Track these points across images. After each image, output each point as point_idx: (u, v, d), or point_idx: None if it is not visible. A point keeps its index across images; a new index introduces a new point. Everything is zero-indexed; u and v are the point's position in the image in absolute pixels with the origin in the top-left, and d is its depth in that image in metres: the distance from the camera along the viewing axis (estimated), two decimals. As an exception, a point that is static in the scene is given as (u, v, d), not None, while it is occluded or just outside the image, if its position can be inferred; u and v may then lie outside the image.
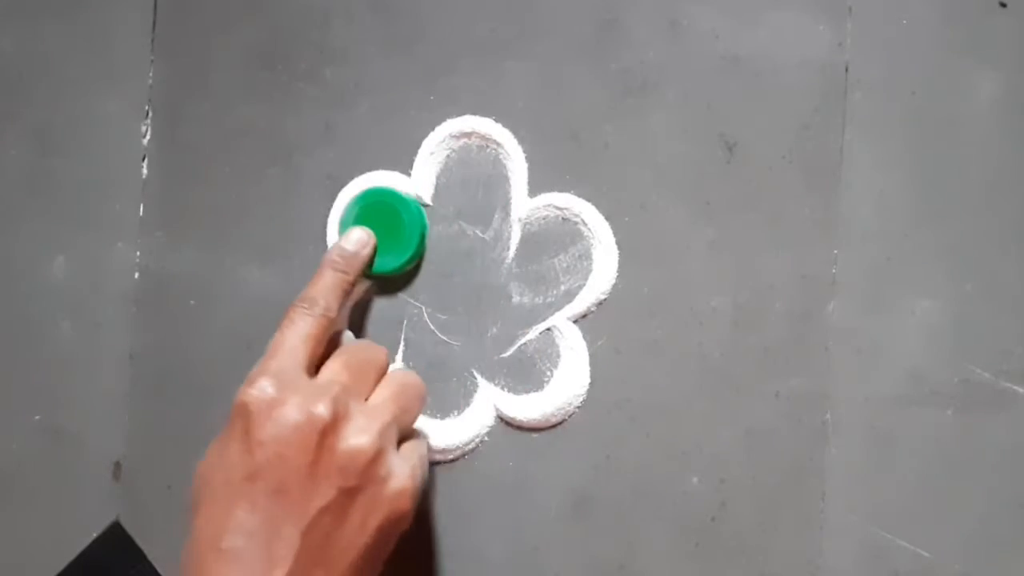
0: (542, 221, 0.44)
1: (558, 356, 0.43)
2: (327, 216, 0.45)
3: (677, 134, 0.43)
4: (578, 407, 0.43)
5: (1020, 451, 0.40)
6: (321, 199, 0.45)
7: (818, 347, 0.41)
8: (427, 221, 0.44)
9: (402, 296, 0.44)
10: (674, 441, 0.42)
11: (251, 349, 0.45)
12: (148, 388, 0.46)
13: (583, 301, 0.43)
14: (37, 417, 0.47)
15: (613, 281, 0.43)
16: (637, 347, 0.43)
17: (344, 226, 0.43)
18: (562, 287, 0.43)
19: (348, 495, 0.35)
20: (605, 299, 0.43)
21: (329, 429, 0.35)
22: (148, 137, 0.47)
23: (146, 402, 0.46)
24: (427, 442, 0.39)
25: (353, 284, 0.41)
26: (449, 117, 0.44)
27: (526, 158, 0.44)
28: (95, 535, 0.46)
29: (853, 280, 0.41)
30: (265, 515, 0.34)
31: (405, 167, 0.45)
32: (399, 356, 0.44)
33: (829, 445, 0.41)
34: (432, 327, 0.44)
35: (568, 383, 0.43)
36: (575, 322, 0.43)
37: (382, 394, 0.38)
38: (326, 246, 0.45)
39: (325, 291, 0.39)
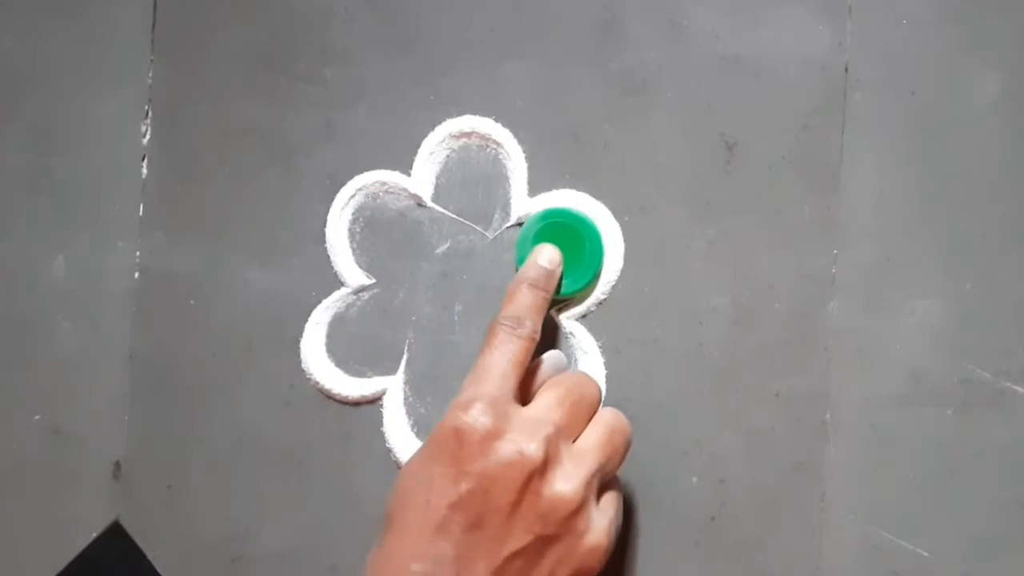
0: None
1: (573, 364, 0.43)
2: (327, 216, 0.45)
3: (677, 134, 0.43)
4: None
5: (1020, 451, 0.40)
6: (321, 199, 0.45)
7: (818, 347, 0.41)
8: (603, 244, 0.43)
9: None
10: (674, 441, 0.42)
11: (251, 349, 0.45)
12: (148, 388, 0.46)
13: (587, 299, 0.43)
14: (37, 417, 0.47)
15: (615, 280, 0.43)
16: (637, 347, 0.43)
17: (522, 245, 0.42)
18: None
19: (544, 543, 0.34)
20: (605, 299, 0.43)
21: (538, 472, 0.34)
22: (148, 137, 0.47)
23: (146, 402, 0.46)
24: (622, 493, 0.39)
25: (548, 303, 0.40)
26: (449, 117, 0.44)
27: (526, 158, 0.44)
28: (95, 535, 0.46)
29: (853, 280, 0.41)
30: (459, 548, 0.34)
31: (405, 167, 0.45)
32: (402, 362, 0.44)
33: (829, 445, 0.41)
34: (432, 327, 0.44)
35: None
36: (576, 321, 0.43)
37: (591, 438, 0.37)
38: (325, 246, 0.45)
39: (528, 310, 0.38)
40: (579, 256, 0.42)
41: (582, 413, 0.37)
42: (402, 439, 0.44)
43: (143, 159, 0.47)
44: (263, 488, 0.45)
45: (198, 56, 0.47)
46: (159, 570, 0.46)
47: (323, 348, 0.45)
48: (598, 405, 0.38)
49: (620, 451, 0.38)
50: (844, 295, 0.41)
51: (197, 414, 0.46)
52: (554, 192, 0.43)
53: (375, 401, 0.44)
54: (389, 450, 0.44)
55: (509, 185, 0.44)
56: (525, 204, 0.44)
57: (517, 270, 0.42)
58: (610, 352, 0.43)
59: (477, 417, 0.35)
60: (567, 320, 0.43)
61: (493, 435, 0.35)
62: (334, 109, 0.45)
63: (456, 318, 0.44)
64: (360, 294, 0.45)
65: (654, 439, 0.42)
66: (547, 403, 0.37)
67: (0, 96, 0.48)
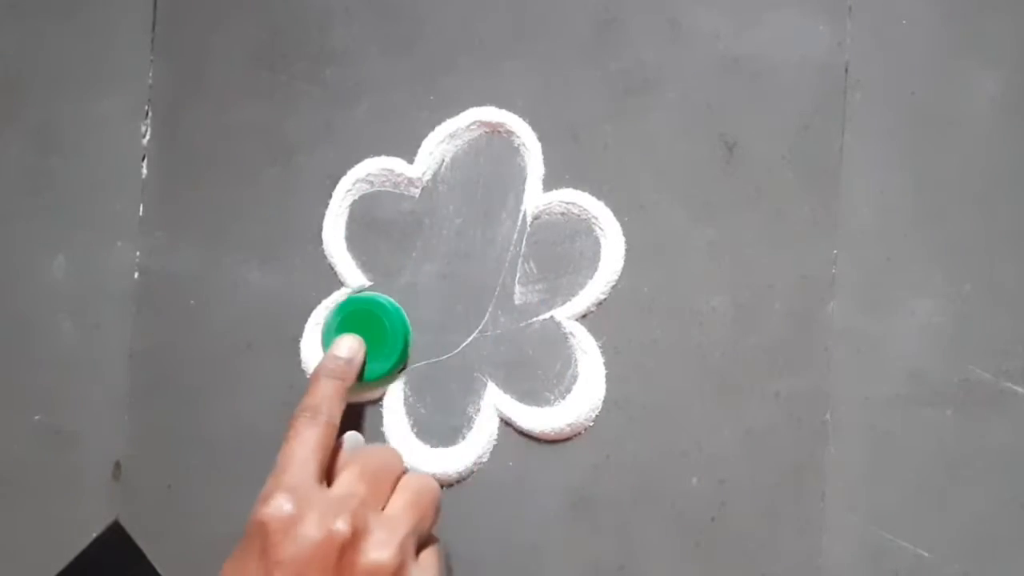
0: (546, 219, 0.44)
1: (572, 364, 0.43)
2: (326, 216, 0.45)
3: (677, 134, 0.43)
4: (591, 423, 0.43)
5: (1020, 451, 0.40)
6: (321, 199, 0.45)
7: (818, 347, 0.41)
8: (409, 326, 0.44)
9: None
10: (674, 441, 0.42)
11: (251, 349, 0.45)
12: (148, 388, 0.46)
13: (586, 299, 0.43)
14: (37, 417, 0.47)
15: (615, 280, 0.43)
16: (637, 347, 0.43)
17: (327, 335, 0.43)
18: (565, 284, 0.43)
19: None
20: (605, 299, 0.43)
21: (349, 545, 0.34)
22: (148, 137, 0.47)
23: (146, 402, 0.46)
24: (441, 548, 0.39)
25: (348, 391, 0.41)
26: (449, 117, 0.44)
27: (531, 155, 0.44)
28: (95, 535, 0.46)
29: (853, 280, 0.41)
30: None
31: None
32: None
33: (829, 445, 0.41)
34: (432, 327, 0.44)
35: (584, 399, 0.43)
36: (576, 321, 0.43)
37: (399, 502, 0.37)
38: (323, 247, 0.45)
39: (325, 399, 0.39)
40: (381, 341, 0.43)
41: (385, 481, 0.38)
42: (402, 440, 0.44)
43: (143, 159, 0.47)
44: (263, 488, 0.45)
45: (198, 56, 0.47)
46: (159, 570, 0.46)
47: (323, 348, 0.45)
48: (400, 471, 0.39)
49: (431, 510, 0.38)
50: (844, 295, 0.41)
51: (197, 414, 0.46)
52: (559, 192, 0.43)
53: (375, 401, 0.44)
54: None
55: (510, 184, 0.44)
56: (529, 202, 0.44)
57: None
58: (610, 352, 0.43)
59: (280, 506, 0.35)
60: (567, 320, 0.43)
61: (296, 519, 0.35)
62: (334, 109, 0.45)
63: (456, 318, 0.44)
64: (360, 294, 0.45)
65: (654, 439, 0.42)
66: (348, 479, 0.37)
67: (0, 96, 0.48)
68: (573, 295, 0.43)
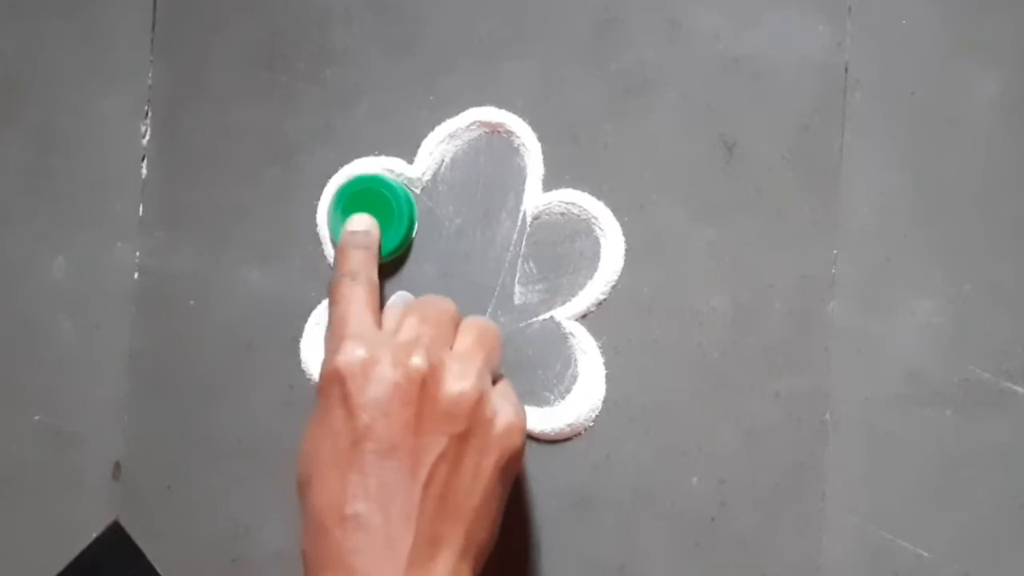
0: (546, 219, 0.44)
1: (573, 364, 0.43)
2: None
3: (677, 134, 0.43)
4: (591, 424, 0.43)
5: (1020, 451, 0.40)
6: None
7: (818, 347, 0.41)
8: (415, 202, 0.44)
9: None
10: (674, 441, 0.42)
11: (251, 349, 0.45)
12: (148, 388, 0.46)
13: (586, 299, 0.43)
14: (37, 417, 0.47)
15: (615, 280, 0.43)
16: (637, 347, 0.43)
17: (334, 221, 0.43)
18: (565, 284, 0.43)
19: (460, 440, 0.35)
20: (605, 299, 0.43)
21: (428, 379, 0.35)
22: (148, 137, 0.47)
23: (146, 402, 0.46)
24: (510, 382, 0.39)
25: (376, 258, 0.41)
26: (449, 117, 0.44)
27: (531, 155, 0.44)
28: (95, 535, 0.46)
29: (853, 280, 0.41)
30: (382, 476, 0.34)
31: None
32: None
33: (829, 445, 0.41)
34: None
35: (584, 399, 0.43)
36: (576, 321, 0.43)
37: (466, 340, 0.37)
38: (322, 245, 0.45)
39: (360, 263, 0.39)
40: (388, 215, 0.43)
41: (447, 324, 0.38)
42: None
43: (143, 159, 0.47)
44: (263, 488, 0.45)
45: (198, 56, 0.47)
46: (159, 570, 0.46)
47: (323, 348, 0.45)
48: (457, 315, 0.39)
49: (497, 346, 0.38)
50: (844, 295, 0.41)
51: (197, 414, 0.46)
52: (559, 192, 0.43)
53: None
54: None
55: (512, 184, 0.44)
56: (530, 201, 0.44)
57: (334, 244, 0.42)
58: (610, 352, 0.43)
59: (352, 351, 0.35)
60: (567, 320, 0.43)
61: (372, 362, 0.35)
62: (334, 109, 0.45)
63: (456, 318, 0.44)
64: (360, 294, 0.45)
65: (654, 439, 0.42)
66: (412, 324, 0.37)
67: (0, 96, 0.48)
68: (573, 295, 0.43)
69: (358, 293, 0.38)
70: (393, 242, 0.43)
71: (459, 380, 0.35)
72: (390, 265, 0.44)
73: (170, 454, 0.46)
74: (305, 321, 0.45)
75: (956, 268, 0.41)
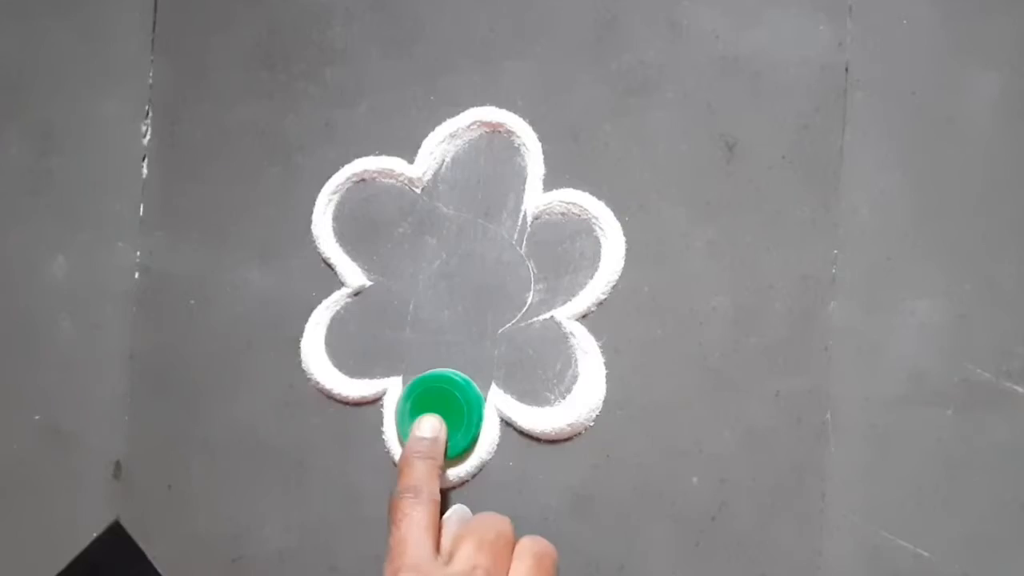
0: (546, 219, 0.44)
1: (573, 364, 0.43)
2: (323, 211, 0.45)
3: (677, 134, 0.43)
4: (591, 423, 0.43)
5: (1020, 451, 0.40)
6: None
7: (818, 347, 0.41)
8: (484, 401, 0.43)
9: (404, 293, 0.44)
10: (674, 441, 0.42)
11: (251, 349, 0.45)
12: (148, 388, 0.46)
13: (586, 299, 0.43)
14: (37, 417, 0.47)
15: (615, 280, 0.43)
16: (637, 347, 0.43)
17: (402, 420, 0.43)
18: (565, 284, 0.43)
19: None
20: (605, 299, 0.43)
21: None
22: (148, 137, 0.47)
23: (146, 402, 0.46)
24: None
25: (441, 468, 0.40)
26: (449, 117, 0.44)
27: (531, 155, 0.44)
28: (95, 535, 0.46)
29: (853, 280, 0.41)
30: None
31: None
32: (403, 362, 0.44)
33: (829, 445, 0.41)
34: (432, 327, 0.44)
35: (584, 399, 0.42)
36: (576, 321, 0.43)
37: (521, 569, 0.37)
38: (315, 244, 0.45)
39: (423, 478, 0.39)
40: (458, 415, 0.42)
41: (502, 550, 0.37)
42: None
43: (143, 159, 0.47)
44: (263, 488, 0.45)
45: (198, 56, 0.47)
46: (159, 570, 0.46)
47: (323, 348, 0.45)
48: (513, 538, 0.38)
49: (552, 572, 0.38)
50: (844, 295, 0.41)
51: (197, 414, 0.46)
52: (559, 191, 0.43)
53: (375, 402, 0.44)
54: (388, 450, 0.44)
55: (513, 183, 0.44)
56: (532, 201, 0.44)
57: (401, 444, 0.42)
58: (610, 352, 0.43)
59: None
60: (567, 320, 0.43)
61: None
62: (334, 109, 0.45)
63: (456, 318, 0.44)
64: (360, 294, 0.45)
65: (654, 439, 0.42)
66: (467, 553, 0.37)
67: (0, 96, 0.48)
68: (573, 295, 0.43)
69: (419, 514, 0.37)
70: (460, 445, 0.42)
71: None
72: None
73: (170, 454, 0.46)
74: (305, 321, 0.45)
75: (956, 268, 0.41)
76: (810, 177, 0.42)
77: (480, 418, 0.43)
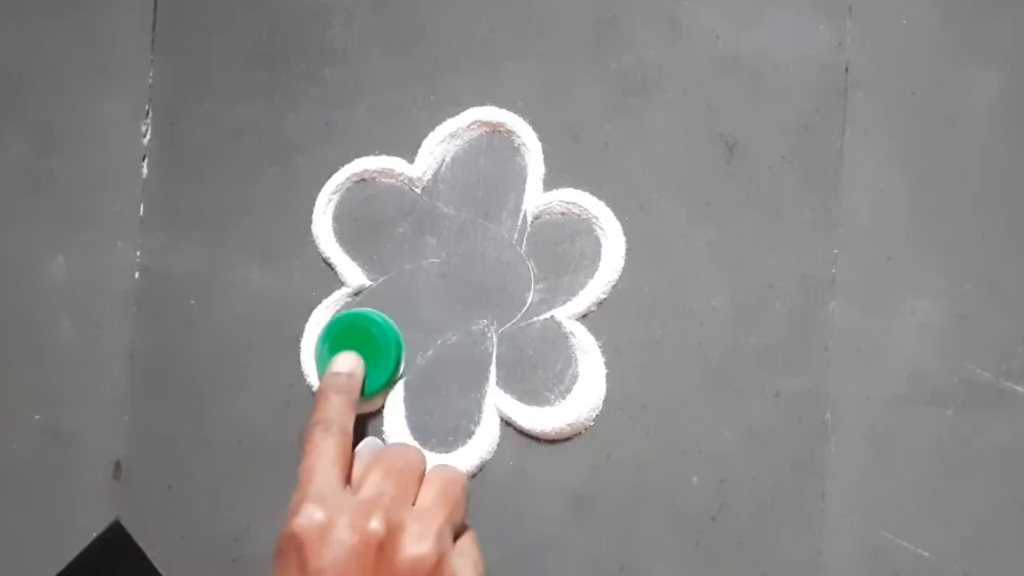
0: (546, 218, 0.44)
1: (573, 364, 0.43)
2: (322, 210, 0.45)
3: (677, 134, 0.43)
4: (591, 423, 0.43)
5: (1020, 451, 0.40)
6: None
7: (818, 347, 0.41)
8: (401, 335, 0.44)
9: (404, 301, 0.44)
10: (674, 441, 0.42)
11: (251, 349, 0.45)
12: (148, 388, 0.46)
13: (587, 299, 0.43)
14: (37, 417, 0.47)
15: (615, 280, 0.43)
16: (637, 347, 0.43)
17: (321, 357, 0.43)
18: (565, 284, 0.43)
19: None
20: (605, 298, 0.43)
21: (386, 543, 0.34)
22: (148, 137, 0.47)
23: (146, 402, 0.46)
24: (474, 534, 0.39)
25: (355, 403, 0.41)
26: (449, 117, 0.44)
27: (531, 155, 0.44)
28: (95, 535, 0.46)
29: (853, 280, 0.41)
30: None
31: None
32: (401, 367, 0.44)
33: (829, 445, 0.41)
34: (432, 327, 0.44)
35: (584, 399, 0.43)
36: (576, 321, 0.43)
37: (428, 496, 0.37)
38: (315, 244, 0.45)
39: (336, 410, 0.39)
40: (376, 354, 0.43)
41: (410, 477, 0.37)
42: (402, 440, 0.44)
43: (143, 159, 0.47)
44: (263, 488, 0.45)
45: (198, 56, 0.47)
46: (159, 570, 0.46)
47: (318, 370, 0.45)
48: (423, 467, 0.38)
49: (461, 499, 0.38)
50: (844, 295, 0.41)
51: (197, 414, 0.46)
52: (559, 191, 0.43)
53: (376, 413, 0.44)
54: (389, 450, 0.44)
55: (514, 182, 0.44)
56: (533, 201, 0.44)
57: (320, 377, 0.42)
58: (610, 352, 0.43)
59: (311, 515, 0.35)
60: (567, 320, 0.43)
61: (329, 526, 0.35)
62: (334, 109, 0.45)
63: (456, 318, 0.44)
64: (360, 294, 0.45)
65: (654, 439, 0.42)
66: (374, 480, 0.37)
67: (0, 96, 0.48)
68: (573, 295, 0.43)
69: (328, 445, 0.38)
70: (378, 383, 0.43)
71: (418, 543, 0.35)
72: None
73: (170, 454, 0.46)
74: (305, 321, 0.45)
75: (956, 268, 0.41)
76: (810, 177, 0.42)
77: (399, 357, 0.44)
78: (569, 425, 0.42)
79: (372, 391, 0.43)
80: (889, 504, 0.41)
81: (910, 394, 0.41)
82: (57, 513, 0.47)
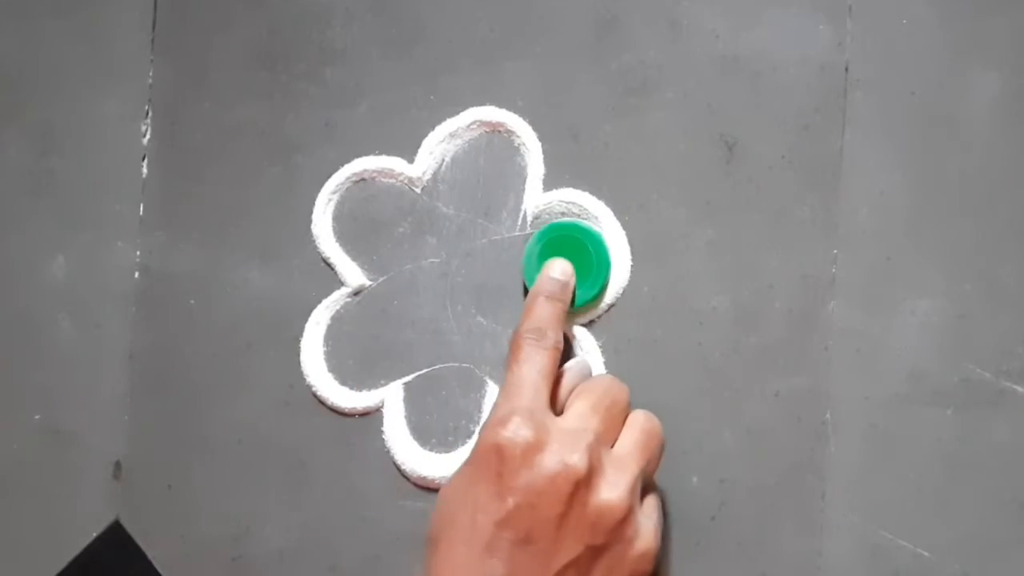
0: (547, 218, 0.44)
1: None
2: (322, 210, 0.45)
3: (677, 134, 0.43)
4: None
5: (1020, 451, 0.40)
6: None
7: (818, 347, 0.41)
8: (611, 256, 0.43)
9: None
10: (674, 441, 0.42)
11: (251, 349, 0.45)
12: (148, 388, 0.46)
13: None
14: (37, 417, 0.47)
15: (624, 285, 0.43)
16: (637, 347, 0.43)
17: (529, 263, 0.42)
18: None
19: (594, 553, 0.34)
20: (613, 304, 0.43)
21: (583, 482, 0.34)
22: (148, 137, 0.47)
23: (146, 402, 0.46)
24: (660, 494, 0.39)
25: (567, 314, 0.40)
26: (449, 117, 0.44)
27: (531, 155, 0.44)
28: (95, 535, 0.46)
29: (853, 280, 0.41)
30: (509, 565, 0.33)
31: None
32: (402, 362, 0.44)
33: (829, 444, 0.41)
34: (432, 328, 0.44)
35: None
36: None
37: (628, 442, 0.37)
38: (315, 244, 0.45)
39: (548, 322, 0.38)
40: (587, 267, 0.42)
41: (616, 418, 0.37)
42: (401, 439, 0.44)
43: (143, 159, 0.47)
44: (263, 488, 0.45)
45: (198, 56, 0.47)
46: (159, 570, 0.46)
47: (322, 355, 0.45)
48: (628, 410, 0.38)
49: (657, 454, 0.38)
50: (844, 295, 0.41)
51: (197, 414, 0.46)
52: (559, 191, 0.43)
53: (374, 412, 0.44)
54: (388, 450, 0.44)
55: (515, 182, 0.44)
56: (534, 200, 0.43)
57: (526, 288, 0.42)
58: (610, 352, 0.43)
59: (517, 431, 0.34)
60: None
61: (535, 448, 0.34)
62: (334, 109, 0.45)
63: (456, 318, 0.44)
64: (360, 294, 0.45)
65: (654, 439, 0.42)
66: (581, 411, 0.36)
67: (0, 96, 0.48)
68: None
69: (541, 358, 0.37)
70: (587, 296, 0.42)
71: (611, 490, 0.34)
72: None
73: (170, 454, 0.46)
74: (305, 321, 0.45)
75: (956, 268, 0.41)
76: (810, 177, 0.42)
77: (608, 272, 0.42)
78: None
79: (581, 303, 0.42)
80: (889, 504, 0.41)
81: (910, 394, 0.41)
82: (57, 513, 0.47)
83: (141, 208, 0.47)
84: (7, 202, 0.48)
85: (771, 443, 0.42)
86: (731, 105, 0.42)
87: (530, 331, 0.38)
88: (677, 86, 0.43)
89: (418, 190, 0.45)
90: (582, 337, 0.43)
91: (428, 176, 0.45)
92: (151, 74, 0.47)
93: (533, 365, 0.37)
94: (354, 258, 0.45)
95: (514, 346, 0.37)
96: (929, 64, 0.41)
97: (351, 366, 0.45)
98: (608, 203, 0.43)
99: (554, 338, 0.38)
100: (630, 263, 0.43)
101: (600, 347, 0.43)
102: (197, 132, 0.47)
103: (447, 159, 0.44)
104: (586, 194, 0.43)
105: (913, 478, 0.41)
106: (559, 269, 0.41)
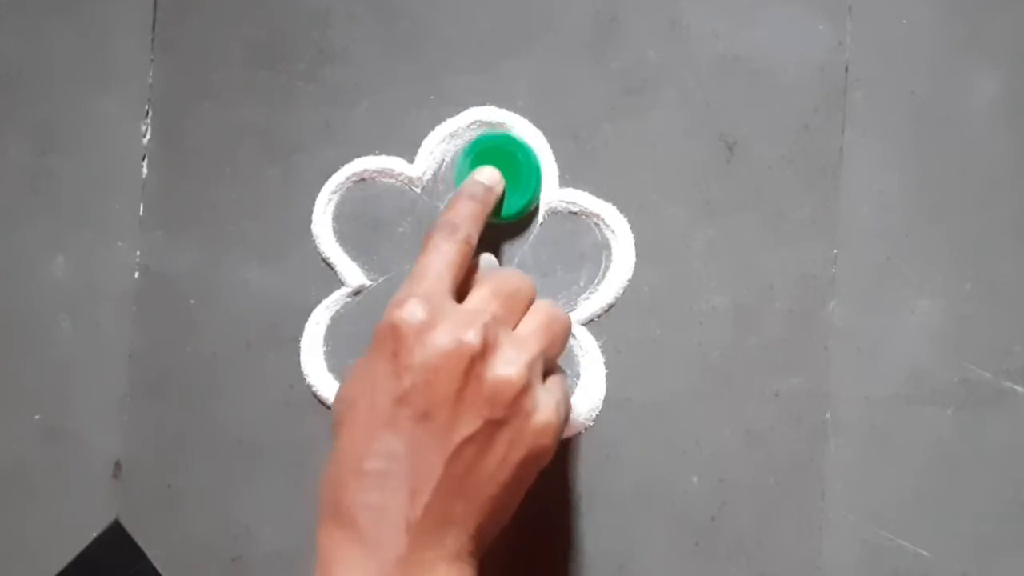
0: (554, 218, 0.44)
1: (573, 364, 0.43)
2: (322, 209, 0.45)
3: (677, 134, 0.43)
4: (591, 423, 0.43)
5: (1020, 451, 0.40)
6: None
7: (818, 347, 0.41)
8: (542, 172, 0.43)
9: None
10: (674, 441, 0.42)
11: (251, 349, 0.45)
12: (148, 388, 0.46)
13: (599, 301, 0.43)
14: (37, 417, 0.47)
15: (628, 281, 0.43)
16: (637, 347, 0.43)
17: (461, 171, 0.43)
18: (575, 285, 0.43)
19: (493, 426, 0.34)
20: (614, 303, 0.43)
21: (478, 357, 0.34)
22: (148, 137, 0.47)
23: (146, 402, 0.46)
24: (566, 379, 0.38)
25: (486, 217, 0.40)
26: (449, 117, 0.44)
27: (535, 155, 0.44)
28: (95, 535, 0.46)
29: (853, 280, 0.41)
30: (409, 440, 0.34)
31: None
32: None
33: (829, 444, 0.41)
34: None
35: (584, 399, 0.42)
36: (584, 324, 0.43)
37: (530, 325, 0.37)
38: (315, 244, 0.45)
39: (464, 218, 0.39)
40: (517, 177, 0.42)
41: (518, 304, 0.37)
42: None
43: (143, 159, 0.47)
44: (263, 488, 0.45)
45: (198, 56, 0.47)
46: (159, 570, 0.46)
47: (321, 356, 0.45)
48: (533, 297, 0.38)
49: (560, 337, 0.38)
50: (844, 295, 0.41)
51: (197, 414, 0.46)
52: (559, 191, 0.43)
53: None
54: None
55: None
56: (554, 194, 0.43)
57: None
58: (610, 352, 0.43)
59: (412, 311, 0.35)
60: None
61: (429, 326, 0.34)
62: (334, 109, 0.45)
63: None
64: (360, 294, 0.45)
65: (654, 439, 0.42)
66: (482, 295, 0.37)
67: (0, 96, 0.48)
68: (580, 298, 0.43)
69: (448, 249, 0.37)
70: (514, 206, 0.42)
71: (508, 365, 0.34)
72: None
73: (170, 454, 0.46)
74: (305, 321, 0.45)
75: (956, 268, 0.41)
76: (810, 177, 0.42)
77: (538, 183, 0.43)
78: (569, 425, 0.42)
79: (505, 215, 0.42)
80: (889, 504, 0.41)
81: (910, 394, 0.41)
82: (57, 513, 0.47)
83: (141, 208, 0.47)
84: (7, 202, 0.48)
85: (771, 443, 0.42)
86: (731, 105, 0.42)
87: (444, 224, 0.38)
88: (677, 86, 0.43)
89: (418, 190, 0.45)
90: (582, 337, 0.43)
91: (428, 176, 0.45)
92: (151, 74, 0.47)
93: (440, 255, 0.37)
94: (354, 258, 0.45)
95: (426, 238, 0.38)
96: (929, 64, 0.41)
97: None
98: (607, 203, 0.43)
99: (466, 232, 0.38)
100: (634, 261, 0.43)
101: (600, 347, 0.43)
102: (197, 132, 0.47)
103: (447, 159, 0.44)
104: (586, 194, 0.43)
105: (913, 478, 0.41)
106: (486, 175, 0.41)
